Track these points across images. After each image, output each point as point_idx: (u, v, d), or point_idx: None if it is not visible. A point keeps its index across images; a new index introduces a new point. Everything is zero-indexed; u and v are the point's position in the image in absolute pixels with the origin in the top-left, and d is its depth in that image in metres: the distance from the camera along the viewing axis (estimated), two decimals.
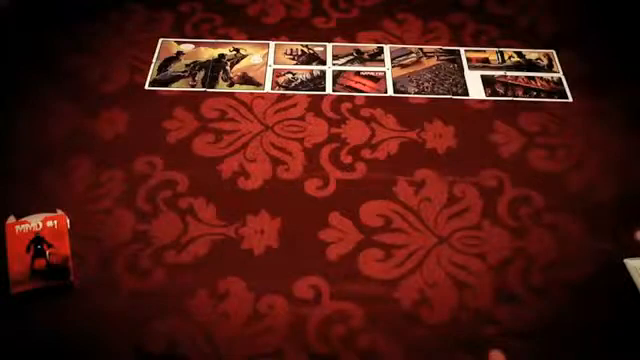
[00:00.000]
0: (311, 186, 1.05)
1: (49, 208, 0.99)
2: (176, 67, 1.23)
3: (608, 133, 1.14)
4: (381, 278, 0.94)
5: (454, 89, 1.20)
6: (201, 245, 0.98)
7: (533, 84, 1.22)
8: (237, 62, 1.25)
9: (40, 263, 0.93)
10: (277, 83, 1.21)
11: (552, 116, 1.16)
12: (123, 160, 1.08)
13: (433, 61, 1.26)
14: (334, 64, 1.25)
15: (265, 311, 0.91)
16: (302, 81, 1.21)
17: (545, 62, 1.26)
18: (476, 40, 1.30)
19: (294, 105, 1.17)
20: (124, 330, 0.88)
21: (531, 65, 1.25)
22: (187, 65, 1.24)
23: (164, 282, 0.93)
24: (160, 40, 1.28)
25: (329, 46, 1.28)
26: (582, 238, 1.00)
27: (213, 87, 1.20)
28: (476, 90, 1.20)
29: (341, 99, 1.18)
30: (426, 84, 1.21)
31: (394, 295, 0.93)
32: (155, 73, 1.22)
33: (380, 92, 1.20)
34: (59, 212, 0.99)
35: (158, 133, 1.12)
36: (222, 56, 1.26)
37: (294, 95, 1.19)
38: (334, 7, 1.36)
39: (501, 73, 1.24)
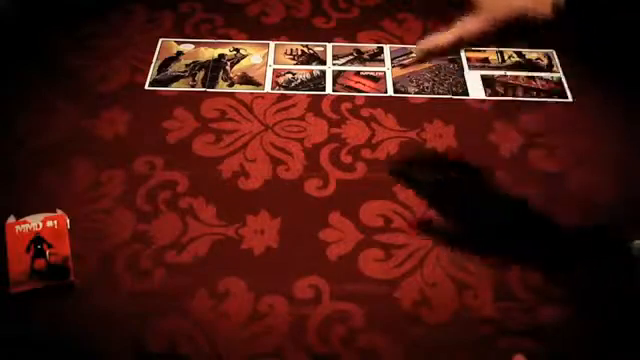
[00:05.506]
0: (311, 186, 1.05)
1: (49, 208, 0.99)
2: (176, 67, 1.23)
3: (608, 133, 1.14)
4: (381, 278, 0.94)
5: (454, 89, 1.20)
6: (201, 245, 0.98)
7: (533, 84, 1.22)
8: (237, 62, 1.25)
9: (40, 263, 0.93)
10: (277, 83, 1.21)
11: (552, 116, 1.17)
12: (123, 160, 1.08)
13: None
14: (334, 64, 1.25)
15: (265, 311, 0.91)
16: (302, 81, 1.21)
17: (545, 62, 1.26)
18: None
19: (294, 105, 1.17)
20: (124, 330, 0.88)
21: (531, 65, 1.25)
22: (187, 65, 1.24)
23: (164, 282, 0.94)
24: (160, 40, 1.28)
25: (329, 46, 1.28)
26: (582, 238, 1.00)
27: (213, 87, 1.20)
28: (476, 90, 1.20)
29: (341, 99, 1.18)
30: (426, 84, 1.21)
31: (394, 295, 0.93)
32: (155, 73, 1.22)
33: (380, 92, 1.20)
34: (59, 212, 0.99)
35: (158, 133, 1.12)
36: (222, 56, 1.26)
37: (294, 95, 1.19)
38: (334, 7, 1.36)
39: (501, 73, 1.24)
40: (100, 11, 1.32)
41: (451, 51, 0.86)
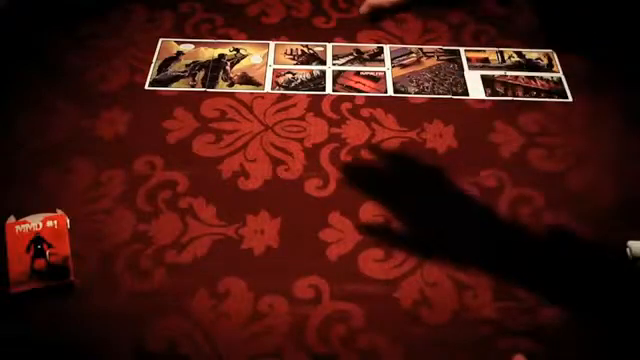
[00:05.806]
0: (311, 186, 1.05)
1: (49, 208, 0.99)
2: (176, 67, 1.23)
3: (608, 133, 1.14)
4: (381, 278, 0.94)
5: (454, 89, 1.20)
6: (201, 245, 0.98)
7: (533, 84, 1.22)
8: (237, 62, 1.25)
9: (40, 263, 0.93)
10: (277, 83, 1.21)
11: (552, 116, 1.17)
12: (123, 160, 1.08)
13: (433, 61, 1.26)
14: (334, 64, 1.25)
15: (265, 311, 0.91)
16: (302, 81, 1.21)
17: (545, 62, 1.26)
18: (476, 40, 1.30)
19: (294, 105, 1.17)
20: (124, 330, 0.88)
21: (531, 65, 1.25)
22: (187, 65, 1.24)
23: (164, 282, 0.93)
24: (160, 40, 1.28)
25: (329, 46, 1.28)
26: (582, 238, 1.00)
27: (213, 87, 1.20)
28: (476, 90, 1.20)
29: (341, 99, 1.18)
30: (426, 84, 1.21)
31: (394, 295, 0.93)
32: (155, 73, 1.22)
33: (380, 92, 1.20)
34: (59, 212, 0.99)
35: (158, 133, 1.12)
36: (222, 56, 1.26)
37: (294, 95, 1.19)
38: (334, 7, 1.36)
39: (501, 73, 1.24)
40: (100, 11, 1.32)
41: (402, 6, 0.82)
